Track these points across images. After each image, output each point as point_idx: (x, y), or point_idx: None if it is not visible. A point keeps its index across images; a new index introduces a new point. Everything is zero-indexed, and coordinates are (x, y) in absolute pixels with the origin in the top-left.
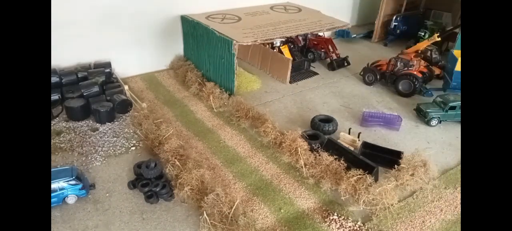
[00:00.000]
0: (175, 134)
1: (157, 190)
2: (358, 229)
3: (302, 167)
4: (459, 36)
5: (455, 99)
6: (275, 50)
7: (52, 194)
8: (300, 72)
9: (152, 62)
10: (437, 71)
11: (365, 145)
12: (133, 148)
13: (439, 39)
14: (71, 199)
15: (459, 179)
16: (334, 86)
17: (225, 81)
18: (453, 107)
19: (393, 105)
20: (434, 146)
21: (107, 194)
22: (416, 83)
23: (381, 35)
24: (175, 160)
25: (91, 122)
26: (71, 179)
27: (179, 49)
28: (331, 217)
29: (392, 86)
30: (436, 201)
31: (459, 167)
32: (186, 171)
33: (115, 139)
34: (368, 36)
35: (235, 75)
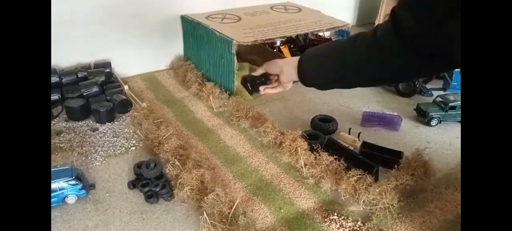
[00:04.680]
0: (175, 134)
1: (157, 190)
2: (358, 229)
3: (302, 167)
4: None
5: (455, 99)
6: (275, 50)
7: (52, 194)
8: None
9: (152, 62)
10: None
11: (365, 145)
12: (133, 148)
13: None
14: (71, 199)
15: (459, 179)
16: None
17: (225, 81)
18: (453, 107)
19: (393, 105)
20: (434, 146)
21: (107, 194)
22: (416, 83)
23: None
24: (175, 160)
25: (91, 122)
26: (71, 179)
27: (179, 49)
28: (331, 217)
29: (392, 86)
30: (436, 201)
31: (459, 167)
32: (186, 171)
33: (115, 139)
34: None
35: (235, 75)
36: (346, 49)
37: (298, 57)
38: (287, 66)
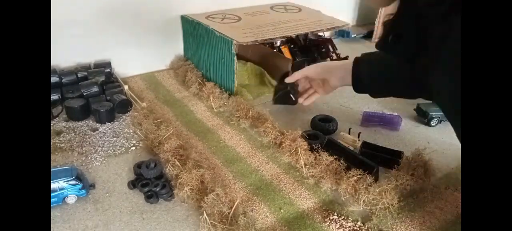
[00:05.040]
0: (175, 134)
1: (157, 190)
2: (358, 229)
3: (302, 167)
4: None
5: None
6: (274, 50)
7: (52, 194)
8: None
9: (152, 62)
10: None
11: (365, 145)
12: (133, 148)
13: None
14: (71, 199)
15: (459, 179)
16: None
17: (225, 81)
18: None
19: (393, 105)
20: (434, 146)
21: (107, 194)
22: None
23: (381, 35)
24: (175, 160)
25: (91, 122)
26: (71, 179)
27: (179, 49)
28: (331, 217)
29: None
30: (436, 201)
31: (459, 167)
32: (186, 171)
33: (115, 138)
34: (368, 36)
35: (235, 75)
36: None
37: (347, 61)
38: (338, 69)
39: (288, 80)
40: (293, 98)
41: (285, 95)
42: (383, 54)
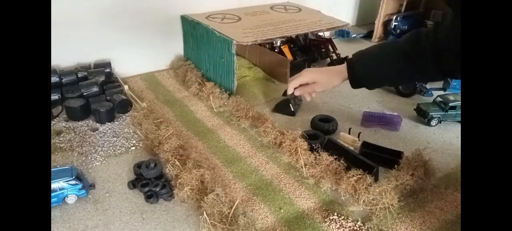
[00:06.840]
0: (175, 134)
1: (157, 190)
2: (358, 229)
3: (302, 167)
4: None
5: (455, 99)
6: (276, 50)
7: (52, 194)
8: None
9: (152, 62)
10: None
11: (365, 145)
12: (133, 148)
13: None
14: (71, 199)
15: (459, 179)
16: None
17: (225, 81)
18: (453, 107)
19: (393, 105)
20: (434, 146)
21: (107, 194)
22: (416, 83)
23: (381, 35)
24: (175, 160)
25: (91, 122)
26: (71, 179)
27: (179, 49)
28: (331, 217)
29: (392, 86)
30: (436, 201)
31: (459, 167)
32: (186, 171)
33: (115, 138)
34: (368, 36)
35: (235, 75)
36: (410, 51)
37: (340, 66)
38: (332, 74)
39: (288, 91)
40: (292, 109)
41: (285, 104)
42: (374, 50)
